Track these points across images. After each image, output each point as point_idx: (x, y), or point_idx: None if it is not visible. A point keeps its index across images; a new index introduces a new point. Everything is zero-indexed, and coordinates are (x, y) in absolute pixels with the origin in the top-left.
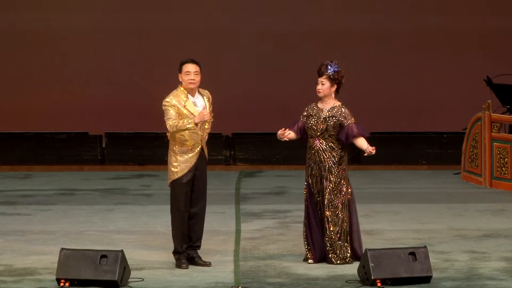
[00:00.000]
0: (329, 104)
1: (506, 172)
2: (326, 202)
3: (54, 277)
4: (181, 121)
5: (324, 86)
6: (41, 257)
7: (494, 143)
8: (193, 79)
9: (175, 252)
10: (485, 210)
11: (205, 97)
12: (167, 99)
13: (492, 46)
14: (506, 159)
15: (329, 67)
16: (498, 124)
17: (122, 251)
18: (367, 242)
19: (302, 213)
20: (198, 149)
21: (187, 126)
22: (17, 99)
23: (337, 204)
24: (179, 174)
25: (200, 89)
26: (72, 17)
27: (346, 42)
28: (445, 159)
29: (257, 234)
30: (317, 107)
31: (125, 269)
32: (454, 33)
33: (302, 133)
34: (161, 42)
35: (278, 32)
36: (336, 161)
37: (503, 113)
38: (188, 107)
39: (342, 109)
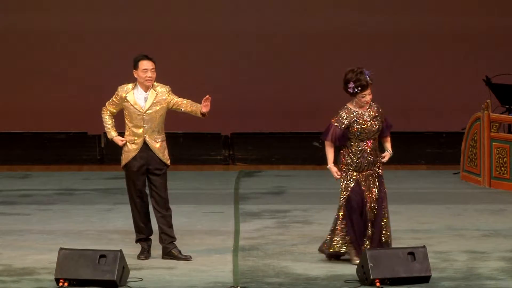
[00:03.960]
0: (365, 106)
1: (505, 172)
2: (378, 198)
3: (53, 277)
4: (109, 122)
5: (371, 95)
6: (40, 257)
7: (493, 143)
8: (151, 77)
9: (136, 241)
10: (484, 210)
11: (158, 94)
12: (121, 86)
13: (491, 46)
14: (505, 159)
15: (367, 76)
16: (497, 124)
17: (121, 251)
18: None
19: (301, 213)
20: (139, 141)
21: (106, 130)
22: (16, 99)
23: (384, 198)
24: (123, 162)
25: (159, 85)
26: (71, 18)
27: (345, 44)
28: (444, 159)
29: (256, 234)
30: (356, 111)
31: (124, 269)
32: (452, 33)
33: (340, 142)
34: (161, 44)
35: (277, 33)
36: (381, 158)
37: (502, 113)
38: (129, 98)
39: (376, 106)
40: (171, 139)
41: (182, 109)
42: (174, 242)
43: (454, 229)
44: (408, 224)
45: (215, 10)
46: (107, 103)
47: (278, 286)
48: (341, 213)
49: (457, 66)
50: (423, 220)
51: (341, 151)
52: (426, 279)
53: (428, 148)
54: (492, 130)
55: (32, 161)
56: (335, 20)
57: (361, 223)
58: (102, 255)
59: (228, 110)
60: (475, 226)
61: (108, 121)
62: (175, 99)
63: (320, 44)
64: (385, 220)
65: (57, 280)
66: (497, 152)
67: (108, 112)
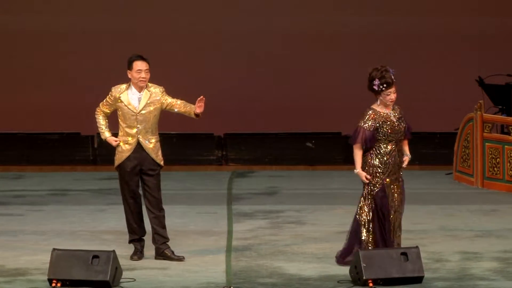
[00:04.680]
0: (390, 107)
1: (498, 172)
2: (402, 201)
3: (46, 278)
4: (103, 123)
5: (395, 94)
6: (33, 258)
7: (486, 144)
8: (144, 77)
9: (129, 241)
10: (477, 211)
11: (152, 94)
12: (114, 86)
13: (484, 47)
14: (498, 159)
15: (392, 75)
16: (490, 125)
17: (114, 251)
18: None
19: (294, 214)
20: (133, 142)
21: (100, 131)
22: (10, 99)
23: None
24: (116, 163)
25: (153, 85)
26: (63, 18)
27: (337, 43)
28: (437, 160)
29: (249, 234)
30: (383, 112)
31: (117, 269)
32: (446, 33)
33: (369, 144)
34: (156, 43)
35: (269, 33)
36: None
37: (495, 113)
38: (123, 99)
39: (398, 107)
40: (165, 140)
41: (176, 110)
42: (167, 243)
43: (447, 230)
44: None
45: (209, 10)
46: (100, 104)
47: (271, 287)
48: (363, 218)
49: (450, 66)
50: (416, 221)
51: (368, 153)
52: (419, 280)
53: (421, 149)
54: (485, 131)
55: (25, 162)
56: (331, 20)
57: (383, 227)
58: (95, 256)
59: (221, 111)
60: (468, 226)
61: (101, 122)
62: (168, 100)
63: (315, 45)
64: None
65: (50, 281)
66: (490, 152)
67: (102, 112)
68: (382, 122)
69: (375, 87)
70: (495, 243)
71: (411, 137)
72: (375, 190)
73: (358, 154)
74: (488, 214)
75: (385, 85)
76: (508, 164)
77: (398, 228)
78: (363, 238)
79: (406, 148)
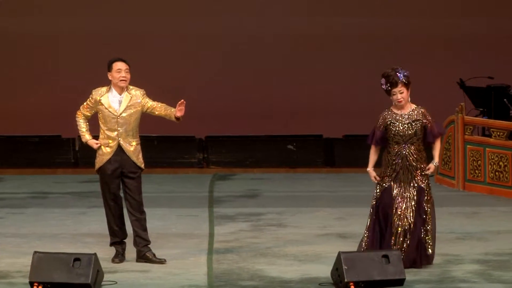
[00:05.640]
0: (407, 108)
1: (479, 174)
2: (416, 209)
3: (27, 281)
4: (84, 125)
5: (403, 94)
6: (14, 261)
7: (467, 146)
8: (124, 77)
9: (110, 244)
10: (458, 213)
11: (133, 97)
12: (95, 89)
13: (465, 49)
14: (479, 161)
15: (399, 74)
16: (471, 127)
17: (95, 254)
18: (341, 245)
19: (275, 216)
20: (113, 145)
21: (80, 134)
22: None
23: (428, 206)
24: (97, 166)
25: (133, 88)
26: (43, 20)
27: (320, 45)
28: None
29: (230, 237)
30: (395, 113)
31: (98, 272)
32: (429, 36)
33: (381, 144)
34: (143, 46)
35: (253, 35)
36: (423, 164)
37: (476, 116)
38: (103, 101)
39: (421, 110)
40: (146, 142)
41: (157, 113)
42: (149, 245)
43: None
44: None
45: (194, 11)
46: (81, 107)
47: None
48: (368, 216)
49: (431, 68)
50: None
51: (383, 152)
52: (400, 282)
53: None
54: (466, 133)
55: (5, 165)
56: (316, 22)
57: (382, 229)
58: (77, 259)
59: (203, 113)
60: (449, 229)
61: (82, 125)
62: (149, 103)
63: (300, 47)
64: (428, 234)
65: (31, 284)
66: (471, 155)
67: (83, 115)
68: (390, 122)
69: (383, 87)
70: (476, 246)
71: (433, 141)
72: (382, 189)
73: (370, 153)
74: (469, 217)
75: (389, 85)
76: (489, 166)
77: (402, 234)
78: (363, 236)
79: (435, 153)
